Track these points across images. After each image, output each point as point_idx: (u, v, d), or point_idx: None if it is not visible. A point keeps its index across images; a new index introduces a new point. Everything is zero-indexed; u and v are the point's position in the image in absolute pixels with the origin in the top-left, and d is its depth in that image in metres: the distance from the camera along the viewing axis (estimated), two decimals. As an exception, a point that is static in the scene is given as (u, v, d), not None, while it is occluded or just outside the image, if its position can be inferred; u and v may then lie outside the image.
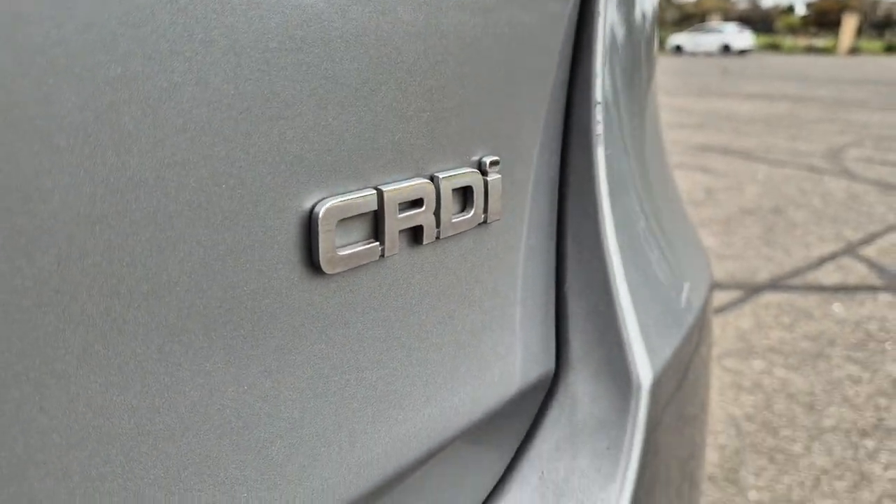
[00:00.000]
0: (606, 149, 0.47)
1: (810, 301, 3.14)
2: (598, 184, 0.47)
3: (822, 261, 3.60)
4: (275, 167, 0.31)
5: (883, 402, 2.34)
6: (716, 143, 7.04)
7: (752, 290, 3.26)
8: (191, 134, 0.28)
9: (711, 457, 2.11)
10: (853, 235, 3.99)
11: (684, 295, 0.54)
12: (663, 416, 0.47)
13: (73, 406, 0.26)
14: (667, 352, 0.48)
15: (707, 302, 0.59)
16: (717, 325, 2.90)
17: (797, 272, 3.46)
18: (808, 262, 3.59)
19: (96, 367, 0.26)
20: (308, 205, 0.32)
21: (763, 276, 3.42)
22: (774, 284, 3.33)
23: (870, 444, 2.14)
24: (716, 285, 3.35)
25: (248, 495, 0.32)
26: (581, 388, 0.46)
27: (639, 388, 0.45)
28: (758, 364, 2.62)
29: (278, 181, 0.31)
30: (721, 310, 3.06)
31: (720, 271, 3.46)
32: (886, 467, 2.02)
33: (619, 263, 0.47)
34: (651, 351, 0.47)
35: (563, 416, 0.46)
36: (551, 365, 0.47)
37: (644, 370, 0.46)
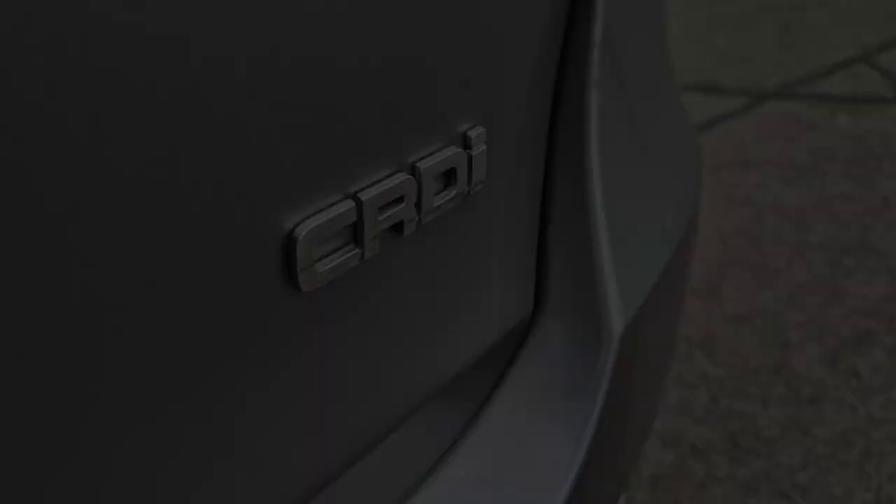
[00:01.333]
0: (601, 93, 0.45)
1: (816, 111, 3.08)
2: (588, 130, 0.45)
3: (835, 67, 3.47)
4: (252, 202, 0.30)
5: (869, 220, 2.39)
6: (742, -78, 6.46)
7: (759, 97, 3.19)
8: (169, 186, 0.27)
9: (696, 270, 2.20)
10: (872, 40, 3.80)
11: (667, 226, 0.54)
12: (631, 359, 0.50)
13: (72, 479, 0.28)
14: (640, 298, 0.49)
15: (686, 233, 0.59)
16: (719, 134, 2.87)
17: (807, 79, 3.36)
18: (820, 69, 3.46)
19: (91, 429, 0.28)
20: (286, 228, 0.32)
21: (772, 82, 3.32)
22: (782, 92, 3.24)
23: (849, 261, 2.21)
24: (722, 91, 3.26)
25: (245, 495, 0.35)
26: (555, 332, 0.49)
27: (609, 337, 0.48)
28: (753, 177, 2.63)
29: (256, 214, 0.30)
30: (725, 118, 3.01)
31: (728, 77, 3.35)
32: (860, 285, 2.11)
33: (602, 211, 0.47)
34: (624, 299, 0.48)
35: (538, 356, 0.49)
36: (529, 308, 0.49)
37: (616, 319, 0.48)
